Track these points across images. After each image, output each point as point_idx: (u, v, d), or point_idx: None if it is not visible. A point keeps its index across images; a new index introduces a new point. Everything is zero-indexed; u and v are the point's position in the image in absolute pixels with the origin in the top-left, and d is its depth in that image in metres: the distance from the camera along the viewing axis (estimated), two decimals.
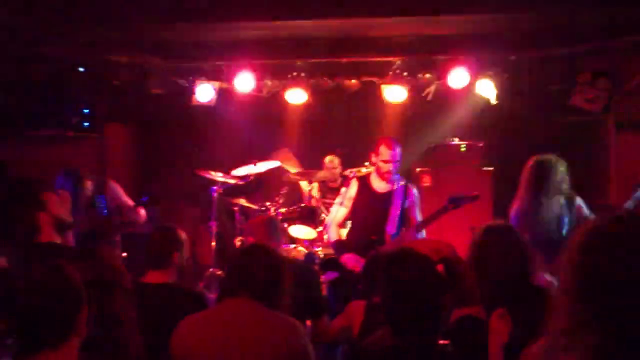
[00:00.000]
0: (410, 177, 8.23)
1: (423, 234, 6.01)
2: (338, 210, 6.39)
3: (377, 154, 6.07)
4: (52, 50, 7.81)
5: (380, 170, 6.10)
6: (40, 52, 7.76)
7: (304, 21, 7.09)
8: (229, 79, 8.33)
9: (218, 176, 7.73)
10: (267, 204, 7.82)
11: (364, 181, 6.28)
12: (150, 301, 3.74)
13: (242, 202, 7.93)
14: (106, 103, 8.75)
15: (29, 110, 8.36)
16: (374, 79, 8.21)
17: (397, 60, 7.94)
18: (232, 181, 7.79)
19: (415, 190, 6.30)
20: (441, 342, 2.90)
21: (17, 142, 8.44)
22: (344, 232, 6.76)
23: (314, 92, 8.31)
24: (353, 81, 8.21)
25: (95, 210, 6.40)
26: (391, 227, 6.05)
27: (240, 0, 6.95)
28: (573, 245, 1.73)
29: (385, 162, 6.03)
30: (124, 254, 6.70)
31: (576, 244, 1.73)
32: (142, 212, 6.73)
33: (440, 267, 2.93)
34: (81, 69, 8.12)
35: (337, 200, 6.47)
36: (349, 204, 6.33)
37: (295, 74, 8.09)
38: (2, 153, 8.46)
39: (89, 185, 6.25)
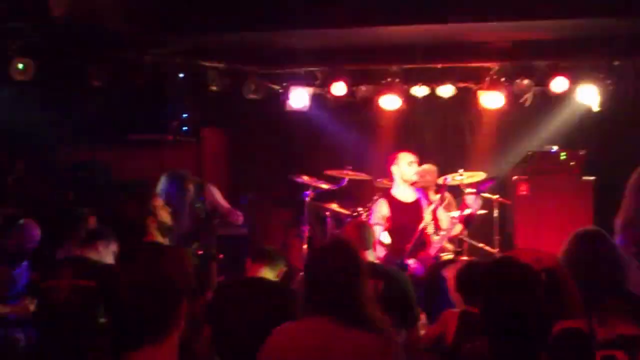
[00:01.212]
0: (506, 185, 8.04)
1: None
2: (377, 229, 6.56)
3: (397, 163, 6.48)
4: (153, 57, 8.07)
5: (405, 177, 6.45)
6: (141, 58, 8.04)
7: (399, 27, 7.06)
8: (323, 84, 8.37)
9: (311, 181, 7.77)
10: (359, 209, 7.79)
11: (390, 197, 6.54)
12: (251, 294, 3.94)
13: (334, 207, 7.93)
14: (203, 108, 8.98)
15: (131, 115, 8.68)
16: (470, 85, 8.07)
17: (495, 66, 7.78)
18: (325, 186, 7.81)
19: (432, 195, 6.71)
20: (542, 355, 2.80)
21: (119, 146, 8.77)
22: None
23: (408, 98, 8.23)
24: (448, 87, 8.09)
25: (195, 212, 6.56)
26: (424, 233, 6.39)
27: (335, 7, 6.98)
28: None
29: (411, 163, 6.41)
30: (221, 255, 6.84)
31: None
32: (239, 214, 6.85)
33: (542, 278, 2.83)
34: (180, 75, 8.35)
35: (373, 220, 6.59)
36: (384, 222, 6.46)
37: (389, 79, 8.04)
38: (105, 156, 8.82)
39: (191, 187, 6.42)
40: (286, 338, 2.98)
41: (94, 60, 7.78)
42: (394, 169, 6.56)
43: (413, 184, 6.78)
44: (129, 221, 4.22)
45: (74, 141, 8.79)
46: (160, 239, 4.23)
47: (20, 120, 8.22)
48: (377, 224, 6.46)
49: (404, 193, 6.50)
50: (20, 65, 7.34)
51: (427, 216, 6.51)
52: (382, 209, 6.52)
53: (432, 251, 6.46)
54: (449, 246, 7.64)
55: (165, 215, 4.27)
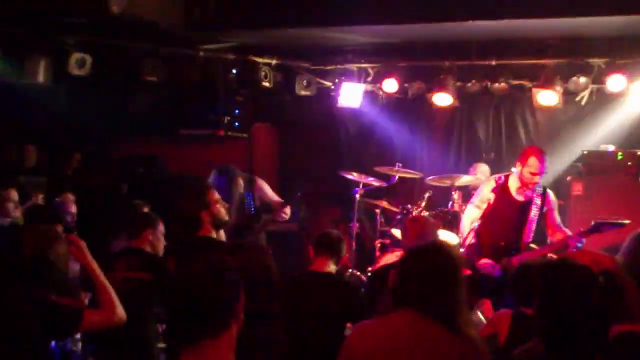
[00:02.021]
0: (559, 184, 7.89)
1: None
2: (472, 211, 6.23)
3: (525, 164, 5.80)
4: (206, 53, 8.16)
5: (524, 180, 5.84)
6: (195, 55, 8.14)
7: (453, 23, 6.99)
8: (374, 81, 8.34)
9: (361, 178, 7.77)
10: (409, 206, 7.75)
11: (503, 186, 6.02)
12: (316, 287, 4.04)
13: (384, 204, 7.91)
14: (255, 104, 9.04)
15: (184, 110, 8.80)
16: (525, 82, 7.94)
17: (551, 63, 7.64)
18: (375, 183, 7.79)
19: (552, 195, 6.05)
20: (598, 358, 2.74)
21: (172, 141, 8.91)
22: None
23: (461, 95, 8.15)
24: (502, 84, 7.97)
25: (244, 207, 6.61)
26: (527, 236, 5.91)
27: (388, 3, 6.95)
28: None
29: (533, 174, 5.77)
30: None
31: None
32: (288, 210, 6.88)
33: (600, 280, 2.78)
34: (233, 71, 8.43)
35: (474, 200, 6.28)
36: (483, 206, 6.13)
37: (442, 76, 7.97)
38: (158, 150, 8.96)
39: (240, 182, 6.47)
40: (377, 327, 2.93)
41: (149, 56, 7.89)
42: (519, 167, 5.92)
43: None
44: (184, 214, 4.29)
45: (127, 135, 8.96)
46: (213, 233, 4.28)
47: (76, 114, 8.41)
48: (477, 205, 6.16)
49: (519, 191, 5.96)
50: (79, 60, 7.50)
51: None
52: (487, 193, 6.09)
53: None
54: None
55: (221, 209, 4.32)
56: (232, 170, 6.51)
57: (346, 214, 8.46)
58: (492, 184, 6.10)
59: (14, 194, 6.23)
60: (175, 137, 8.82)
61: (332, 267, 4.67)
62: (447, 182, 7.70)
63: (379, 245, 7.73)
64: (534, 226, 5.91)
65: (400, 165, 7.74)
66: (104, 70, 7.81)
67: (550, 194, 6.05)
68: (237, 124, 8.89)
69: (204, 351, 2.16)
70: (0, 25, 7.30)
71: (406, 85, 8.33)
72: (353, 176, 7.84)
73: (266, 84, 8.34)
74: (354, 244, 7.91)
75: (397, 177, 7.75)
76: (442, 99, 8.14)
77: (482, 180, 7.81)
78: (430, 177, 7.77)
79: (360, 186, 7.82)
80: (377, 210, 8.01)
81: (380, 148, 8.97)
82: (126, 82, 8.17)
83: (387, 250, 7.51)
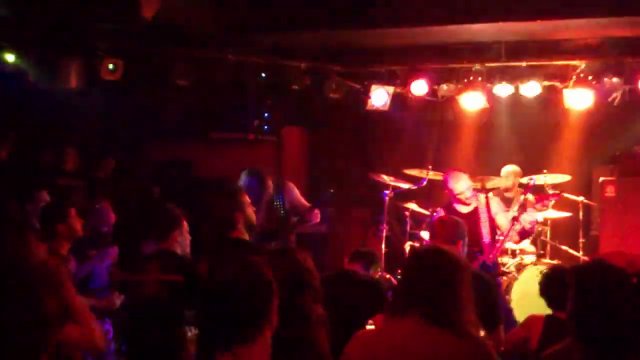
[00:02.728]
0: (591, 186, 7.81)
1: None
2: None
3: (450, 191, 6.64)
4: (236, 57, 8.21)
5: (456, 198, 6.59)
6: (225, 57, 8.19)
7: (482, 24, 6.95)
8: (403, 83, 8.32)
9: (391, 180, 7.74)
10: (438, 209, 7.71)
11: (447, 205, 6.75)
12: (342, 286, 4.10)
13: (413, 206, 7.88)
14: (284, 107, 9.07)
15: (213, 113, 8.86)
16: (556, 83, 7.86)
17: (582, 64, 7.55)
18: (405, 185, 7.77)
19: (495, 201, 6.77)
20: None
21: (201, 144, 8.98)
22: None
23: (491, 97, 8.09)
24: (533, 85, 7.90)
25: (274, 210, 6.63)
26: (485, 238, 6.53)
27: (417, 5, 6.93)
28: None
29: (460, 194, 6.57)
30: None
31: None
32: (317, 213, 6.88)
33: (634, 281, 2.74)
34: (262, 74, 8.47)
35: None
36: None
37: (472, 78, 7.92)
38: (187, 153, 9.04)
39: (270, 185, 6.49)
40: (376, 335, 2.93)
41: (180, 60, 7.96)
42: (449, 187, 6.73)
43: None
44: (218, 216, 4.31)
45: (158, 139, 9.05)
46: (245, 235, 4.31)
47: (108, 118, 8.52)
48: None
49: (460, 205, 6.66)
50: (111, 66, 7.59)
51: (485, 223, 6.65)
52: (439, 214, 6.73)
53: (491, 255, 6.41)
54: (531, 248, 7.48)
55: (251, 212, 4.35)
56: (262, 172, 6.53)
57: (376, 217, 8.44)
58: (441, 211, 6.78)
59: (45, 197, 6.33)
60: (205, 140, 8.90)
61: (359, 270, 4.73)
62: (477, 184, 7.64)
63: (408, 248, 7.71)
64: (486, 230, 6.54)
65: (430, 167, 7.71)
66: (136, 74, 7.90)
67: (492, 199, 6.74)
68: (266, 127, 8.93)
69: (239, 355, 2.16)
70: (35, 31, 7.42)
71: (436, 87, 8.29)
72: (382, 179, 7.82)
73: (296, 87, 8.36)
74: (383, 246, 7.89)
75: (427, 179, 7.72)
76: (473, 101, 8.08)
77: (513, 183, 7.77)
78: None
79: (390, 189, 7.80)
80: (407, 213, 7.99)
81: (409, 150, 8.94)
82: (157, 86, 8.25)
83: None
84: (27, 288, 2.26)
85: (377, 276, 5.04)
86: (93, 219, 6.23)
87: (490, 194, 6.93)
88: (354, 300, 4.29)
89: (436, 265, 2.81)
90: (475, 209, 6.63)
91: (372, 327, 3.79)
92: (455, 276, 2.81)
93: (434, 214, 7.49)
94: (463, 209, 6.62)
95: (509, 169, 8.02)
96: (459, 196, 6.55)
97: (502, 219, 6.64)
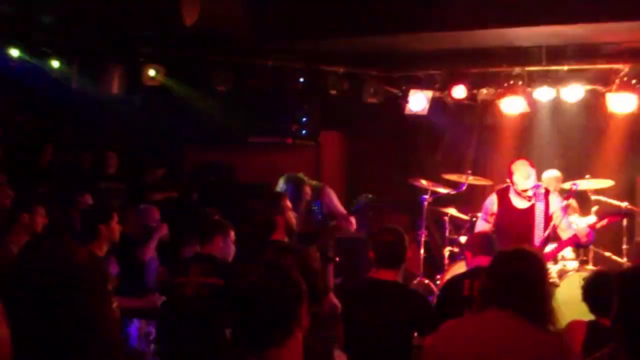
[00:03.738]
0: (635, 192, 7.67)
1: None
2: (481, 224, 6.33)
3: (511, 177, 6.12)
4: (275, 62, 8.26)
5: (517, 190, 6.09)
6: (264, 63, 8.25)
7: (522, 28, 6.89)
8: (442, 87, 8.28)
9: (429, 185, 7.71)
10: (478, 214, 7.66)
11: (503, 196, 6.25)
12: (383, 296, 4.10)
13: (452, 211, 7.84)
14: (323, 112, 9.09)
15: (252, 118, 8.92)
16: (598, 87, 7.74)
17: (625, 67, 7.43)
18: (444, 190, 7.72)
19: (555, 199, 6.19)
20: None
21: (240, 148, 9.05)
22: None
23: (532, 101, 8.00)
24: (575, 89, 7.79)
25: (311, 215, 6.65)
26: (536, 240, 6.04)
27: (456, 9, 6.89)
28: None
29: (519, 182, 6.04)
30: (337, 258, 6.90)
31: None
32: (353, 220, 6.89)
33: None
34: (301, 79, 8.51)
35: (482, 214, 6.41)
36: (491, 219, 6.25)
37: (512, 82, 7.84)
38: (227, 158, 9.11)
39: (308, 191, 6.52)
40: (467, 327, 3.07)
41: (219, 66, 8.04)
42: (508, 182, 6.30)
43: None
44: (258, 220, 4.35)
45: (198, 144, 9.15)
46: (285, 238, 4.34)
47: (149, 124, 8.65)
48: (483, 218, 6.35)
49: (518, 200, 6.20)
50: (152, 72, 7.71)
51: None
52: (490, 204, 6.33)
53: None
54: (572, 255, 7.37)
55: (291, 217, 4.38)
56: (299, 178, 6.56)
57: (414, 222, 8.41)
58: (494, 197, 6.32)
59: (89, 200, 6.44)
60: (244, 145, 8.96)
61: (394, 276, 4.66)
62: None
63: (447, 253, 7.66)
64: (541, 230, 6.04)
65: (469, 172, 7.66)
66: (176, 80, 8.01)
67: (553, 197, 6.15)
68: (305, 131, 8.96)
69: (270, 357, 2.15)
70: (78, 38, 7.58)
71: (475, 91, 8.23)
72: (421, 183, 7.79)
73: (334, 91, 8.38)
74: (422, 252, 7.85)
75: (466, 184, 7.66)
76: (513, 105, 8.00)
77: (555, 188, 7.64)
78: (501, 185, 7.65)
79: (429, 194, 7.76)
80: (446, 218, 7.94)
81: (448, 155, 8.89)
82: (197, 91, 8.35)
83: (456, 258, 7.43)
84: (75, 292, 2.30)
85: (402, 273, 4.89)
86: (141, 219, 6.34)
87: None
88: (394, 310, 4.26)
89: (527, 265, 3.02)
90: (532, 207, 6.14)
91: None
92: (543, 275, 3.06)
93: (474, 219, 7.42)
94: (518, 204, 6.20)
95: (550, 175, 7.89)
96: (516, 187, 6.09)
97: (559, 218, 6.14)
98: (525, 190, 6.03)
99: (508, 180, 6.23)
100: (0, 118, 8.61)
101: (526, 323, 2.91)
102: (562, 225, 6.08)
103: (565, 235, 6.08)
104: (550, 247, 6.17)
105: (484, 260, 4.04)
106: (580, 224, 6.78)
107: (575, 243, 6.21)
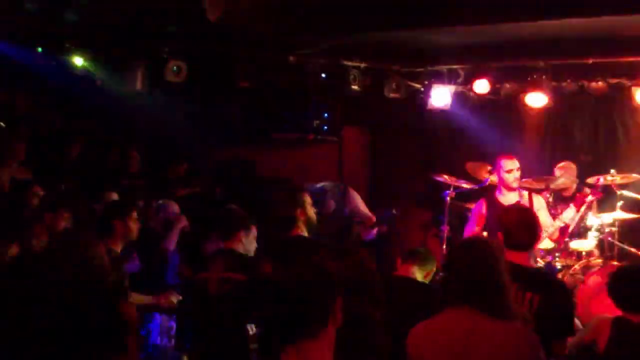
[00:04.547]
0: None
1: None
2: (472, 229, 6.46)
3: (499, 169, 6.31)
4: (297, 58, 8.26)
5: (506, 183, 6.27)
6: (285, 59, 8.25)
7: (546, 21, 6.82)
8: (465, 82, 8.23)
9: (452, 180, 7.66)
10: (481, 200, 7.59)
11: (490, 197, 6.41)
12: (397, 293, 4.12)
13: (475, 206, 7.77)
14: (345, 108, 9.08)
15: (275, 114, 8.94)
16: (624, 81, 7.65)
17: None
18: (467, 185, 7.67)
19: (538, 198, 6.45)
20: None
21: (263, 144, 9.07)
22: None
23: (556, 95, 7.92)
24: (600, 83, 7.70)
25: (336, 215, 6.68)
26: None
27: (478, 2, 6.85)
28: None
29: (509, 171, 6.23)
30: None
31: None
32: (373, 232, 6.91)
33: None
34: (323, 75, 8.50)
35: (471, 220, 6.57)
36: (480, 222, 6.37)
37: (535, 76, 7.77)
38: (249, 154, 9.14)
39: (332, 204, 6.56)
40: (432, 326, 3.06)
41: (242, 62, 8.05)
42: (495, 176, 6.52)
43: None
44: (279, 215, 4.36)
45: (221, 140, 9.17)
46: (305, 233, 4.34)
47: (172, 120, 8.68)
48: (474, 222, 6.44)
49: (506, 196, 6.38)
50: (175, 68, 7.73)
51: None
52: (479, 208, 6.51)
53: None
54: (595, 251, 7.29)
55: (312, 212, 4.38)
56: (322, 191, 6.60)
57: (437, 218, 8.37)
58: (482, 202, 6.50)
59: (114, 197, 6.49)
60: (267, 141, 8.98)
61: (417, 275, 4.67)
62: (541, 185, 7.49)
63: None
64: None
65: (490, 168, 7.59)
66: (199, 76, 8.02)
67: (536, 196, 6.45)
68: (326, 127, 8.96)
69: (303, 350, 2.18)
70: (102, 35, 7.62)
71: (498, 85, 8.17)
72: (444, 179, 7.74)
73: (355, 87, 8.36)
74: (444, 247, 7.81)
75: (489, 179, 7.59)
76: (536, 100, 7.93)
77: (570, 183, 7.55)
78: (524, 179, 7.57)
79: (451, 189, 7.71)
80: (469, 214, 7.88)
81: (471, 150, 8.82)
82: (220, 88, 8.36)
83: None
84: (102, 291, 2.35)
85: (431, 275, 4.92)
86: (161, 214, 6.38)
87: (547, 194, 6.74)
88: (406, 307, 4.26)
89: (482, 256, 3.01)
90: (517, 203, 6.27)
91: None
92: (496, 265, 3.00)
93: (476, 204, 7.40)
94: (505, 201, 6.36)
95: (565, 165, 7.83)
96: (506, 174, 6.26)
97: (544, 216, 6.36)
98: (511, 172, 6.26)
99: (494, 175, 6.50)
100: (28, 116, 8.70)
101: (487, 316, 2.90)
102: (544, 220, 6.25)
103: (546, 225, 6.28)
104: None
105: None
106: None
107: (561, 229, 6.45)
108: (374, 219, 6.91)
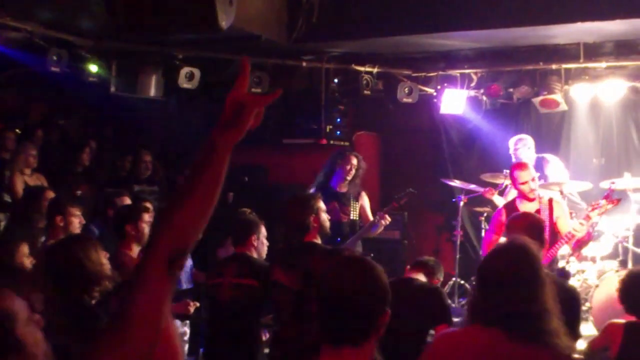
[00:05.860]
0: None
1: None
2: (490, 237, 6.25)
3: (515, 181, 6.14)
4: (309, 63, 8.28)
5: (524, 194, 6.11)
6: (298, 64, 8.27)
7: (559, 25, 6.80)
8: (478, 86, 8.21)
9: (465, 185, 7.65)
10: (501, 208, 7.56)
11: (510, 206, 6.27)
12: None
13: (488, 211, 7.76)
14: (357, 112, 9.08)
15: (287, 120, 8.95)
16: (638, 84, 7.61)
17: None
18: (479, 190, 7.66)
19: (559, 204, 6.24)
20: None
21: (275, 150, 9.08)
22: None
23: (570, 98, 7.88)
24: (614, 87, 7.65)
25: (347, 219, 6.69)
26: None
27: (492, 8, 6.83)
28: None
29: (524, 182, 6.06)
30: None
31: None
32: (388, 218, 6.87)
33: None
34: (335, 80, 8.51)
35: (490, 227, 6.39)
36: (499, 230, 6.18)
37: (548, 80, 7.74)
38: (261, 159, 9.15)
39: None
40: (450, 347, 2.66)
41: (254, 68, 8.08)
42: (512, 188, 6.42)
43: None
44: (292, 221, 4.36)
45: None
46: (319, 239, 4.35)
47: (185, 126, 8.72)
48: (493, 232, 6.30)
49: (526, 205, 6.21)
50: (187, 74, 7.77)
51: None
52: (499, 217, 6.35)
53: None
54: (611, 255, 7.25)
55: (325, 218, 4.38)
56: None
57: (450, 222, 8.36)
58: (502, 210, 6.30)
59: (127, 201, 6.52)
60: (279, 146, 8.99)
61: (421, 278, 4.70)
62: (554, 188, 7.45)
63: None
64: (548, 234, 5.96)
65: (506, 172, 7.57)
66: (212, 83, 8.06)
67: (557, 203, 6.22)
68: (339, 132, 8.96)
69: (344, 355, 2.17)
70: (115, 41, 7.68)
71: (511, 90, 8.14)
72: (456, 183, 7.73)
73: (368, 92, 8.37)
74: (457, 252, 7.79)
75: (504, 184, 7.56)
76: (550, 103, 7.89)
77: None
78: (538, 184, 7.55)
79: (464, 194, 7.70)
80: (482, 218, 7.87)
81: (484, 155, 8.79)
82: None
83: None
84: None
85: (439, 283, 4.96)
86: None
87: (559, 197, 6.65)
88: (413, 309, 4.25)
89: (514, 268, 2.52)
90: (537, 212, 6.15)
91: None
92: (536, 281, 2.52)
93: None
94: (524, 209, 6.14)
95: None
96: (521, 186, 6.13)
97: (564, 224, 6.18)
98: (526, 184, 6.07)
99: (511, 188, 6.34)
100: (42, 123, 8.77)
101: (518, 343, 2.43)
102: (564, 228, 6.07)
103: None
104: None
105: None
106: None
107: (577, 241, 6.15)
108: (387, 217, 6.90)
